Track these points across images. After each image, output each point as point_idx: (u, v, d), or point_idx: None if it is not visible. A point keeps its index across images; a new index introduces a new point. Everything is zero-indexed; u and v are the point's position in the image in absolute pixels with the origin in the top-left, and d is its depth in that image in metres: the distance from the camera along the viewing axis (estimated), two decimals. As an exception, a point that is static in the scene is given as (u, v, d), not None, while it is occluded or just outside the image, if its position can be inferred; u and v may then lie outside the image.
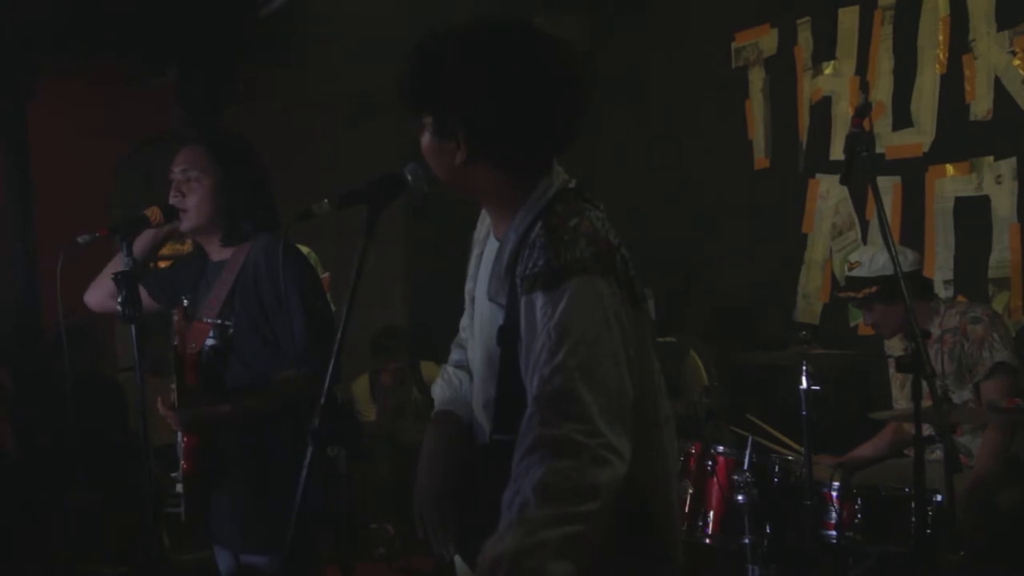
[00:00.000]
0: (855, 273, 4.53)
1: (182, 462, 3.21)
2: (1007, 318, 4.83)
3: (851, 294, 4.57)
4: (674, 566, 2.17)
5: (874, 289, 4.40)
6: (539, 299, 1.99)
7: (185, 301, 3.31)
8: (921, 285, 4.52)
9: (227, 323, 3.22)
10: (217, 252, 3.36)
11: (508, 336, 2.08)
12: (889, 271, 4.31)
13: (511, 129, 2.09)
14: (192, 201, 3.28)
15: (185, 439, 3.21)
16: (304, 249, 5.11)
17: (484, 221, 2.32)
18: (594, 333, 1.96)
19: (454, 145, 2.10)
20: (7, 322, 7.23)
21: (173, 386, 3.19)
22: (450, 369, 2.43)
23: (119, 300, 3.12)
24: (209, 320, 3.24)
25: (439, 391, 2.40)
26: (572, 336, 1.94)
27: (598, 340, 1.95)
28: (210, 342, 3.23)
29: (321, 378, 2.10)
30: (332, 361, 2.10)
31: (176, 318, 3.25)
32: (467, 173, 2.13)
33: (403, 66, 2.14)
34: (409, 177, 2.17)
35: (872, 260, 4.45)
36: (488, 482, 2.02)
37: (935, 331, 4.42)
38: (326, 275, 5.19)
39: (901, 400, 4.55)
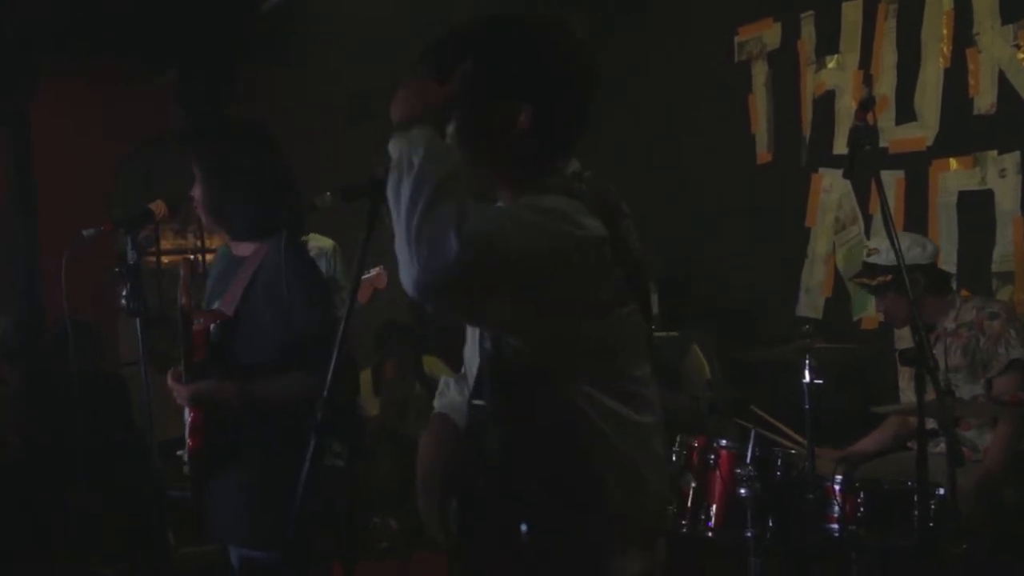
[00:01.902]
0: (872, 260, 4.52)
1: (188, 440, 3.22)
2: (1011, 312, 4.83)
3: (865, 280, 4.57)
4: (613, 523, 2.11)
5: (889, 278, 4.39)
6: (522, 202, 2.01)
7: (192, 256, 3.30)
8: (937, 278, 4.52)
9: (230, 317, 3.21)
10: (236, 247, 3.37)
11: None
12: (907, 261, 4.29)
13: (563, 107, 2.12)
14: (195, 195, 3.30)
15: (192, 415, 3.21)
16: (328, 243, 5.10)
17: None
18: (549, 235, 1.93)
19: (514, 114, 2.10)
20: (9, 320, 7.24)
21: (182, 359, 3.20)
22: (446, 380, 2.45)
23: (123, 293, 3.12)
24: (213, 307, 3.24)
25: (437, 401, 2.43)
26: (528, 221, 1.93)
27: (548, 237, 1.93)
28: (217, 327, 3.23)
29: (326, 384, 2.10)
30: (335, 355, 2.10)
31: (183, 272, 3.24)
32: (513, 147, 2.11)
33: (448, 39, 2.15)
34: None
35: (890, 248, 4.43)
36: (470, 446, 2.07)
37: (949, 325, 4.42)
38: (378, 270, 5.12)
39: (909, 392, 4.55)
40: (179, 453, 3.27)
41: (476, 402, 2.16)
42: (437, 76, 2.10)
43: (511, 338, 2.05)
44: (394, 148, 1.96)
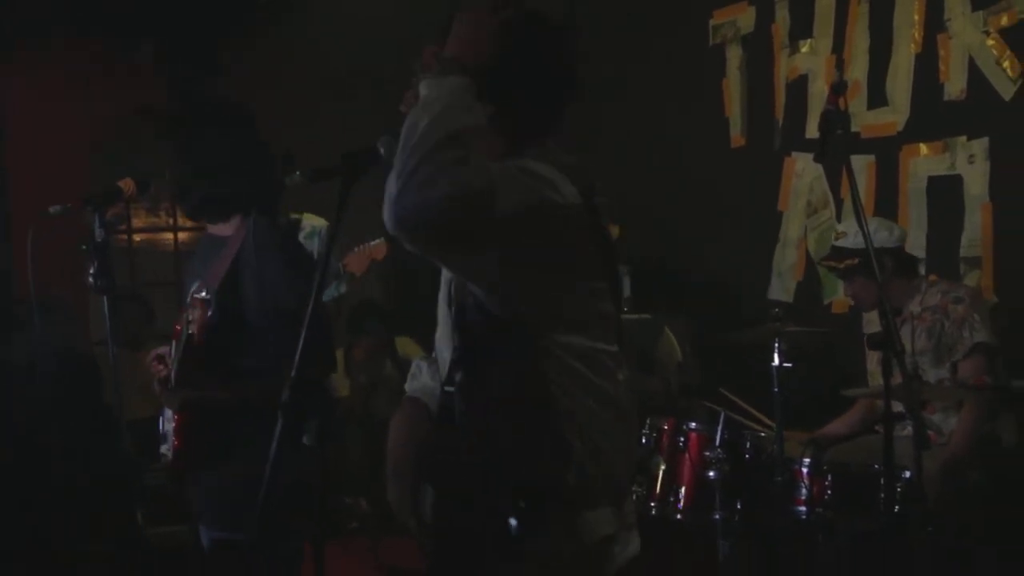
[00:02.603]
0: (840, 243, 4.54)
1: (173, 439, 3.20)
2: (978, 297, 4.86)
3: (833, 264, 4.59)
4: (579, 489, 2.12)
5: (856, 261, 4.41)
6: None
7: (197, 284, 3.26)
8: (904, 262, 4.55)
9: (208, 297, 3.18)
10: (212, 227, 3.33)
11: (458, 291, 2.12)
12: (875, 245, 4.32)
13: (520, 97, 2.13)
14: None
15: (176, 417, 3.19)
16: (322, 222, 5.08)
17: None
18: (535, 196, 1.99)
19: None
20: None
21: (172, 364, 3.18)
22: (418, 363, 2.46)
23: (91, 271, 3.10)
24: (199, 296, 3.19)
25: (408, 385, 2.44)
26: (518, 181, 1.98)
27: (534, 199, 1.99)
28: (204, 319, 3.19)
29: (307, 374, 2.09)
30: (303, 334, 2.09)
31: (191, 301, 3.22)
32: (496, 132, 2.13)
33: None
34: (382, 150, 2.17)
35: (858, 232, 4.45)
36: (442, 432, 2.10)
37: (915, 309, 4.44)
38: (379, 241, 5.11)
39: (878, 376, 4.57)
40: (163, 451, 3.26)
41: (448, 388, 2.16)
42: None
43: (478, 296, 2.08)
44: (426, 87, 2.00)
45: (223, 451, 3.17)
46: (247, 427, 3.10)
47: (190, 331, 3.15)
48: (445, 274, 2.30)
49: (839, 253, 4.53)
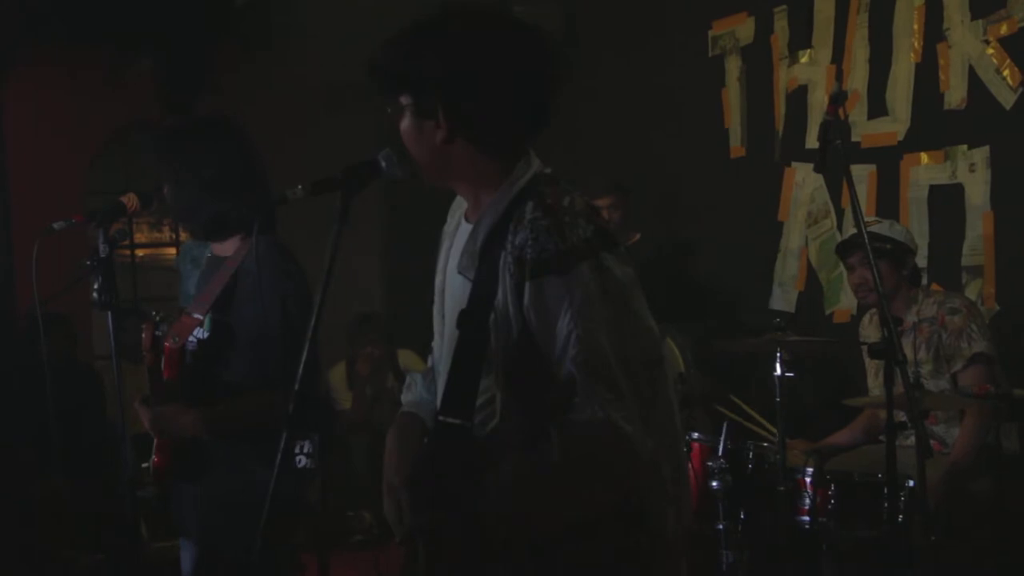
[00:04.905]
0: (873, 229, 4.46)
1: (154, 456, 3.20)
2: (980, 306, 4.86)
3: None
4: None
5: (888, 247, 4.40)
6: (551, 282, 2.02)
7: (156, 316, 3.26)
8: (914, 270, 4.56)
9: (205, 317, 3.17)
10: (215, 246, 3.32)
11: (468, 318, 2.11)
12: (901, 239, 4.41)
13: (488, 109, 2.12)
14: (166, 193, 3.27)
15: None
16: None
17: (454, 215, 2.33)
18: (614, 313, 2.03)
19: (434, 124, 2.12)
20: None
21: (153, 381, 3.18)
22: (413, 375, 2.47)
23: (95, 287, 3.10)
24: (197, 315, 3.18)
25: (404, 397, 2.43)
26: (595, 320, 2.01)
27: (618, 318, 2.03)
28: (196, 337, 3.18)
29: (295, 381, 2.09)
30: (305, 348, 2.09)
31: (144, 335, 3.20)
32: (446, 153, 2.14)
33: (384, 48, 2.17)
34: (383, 164, 2.18)
35: (891, 226, 4.51)
36: (434, 461, 2.12)
37: (911, 319, 4.45)
38: None
39: (876, 387, 4.57)
40: (144, 465, 3.26)
41: (444, 419, 2.13)
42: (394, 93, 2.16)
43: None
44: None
45: (202, 468, 3.17)
46: (228, 444, 3.12)
47: (171, 346, 3.15)
48: (438, 284, 2.30)
49: (870, 237, 4.47)
